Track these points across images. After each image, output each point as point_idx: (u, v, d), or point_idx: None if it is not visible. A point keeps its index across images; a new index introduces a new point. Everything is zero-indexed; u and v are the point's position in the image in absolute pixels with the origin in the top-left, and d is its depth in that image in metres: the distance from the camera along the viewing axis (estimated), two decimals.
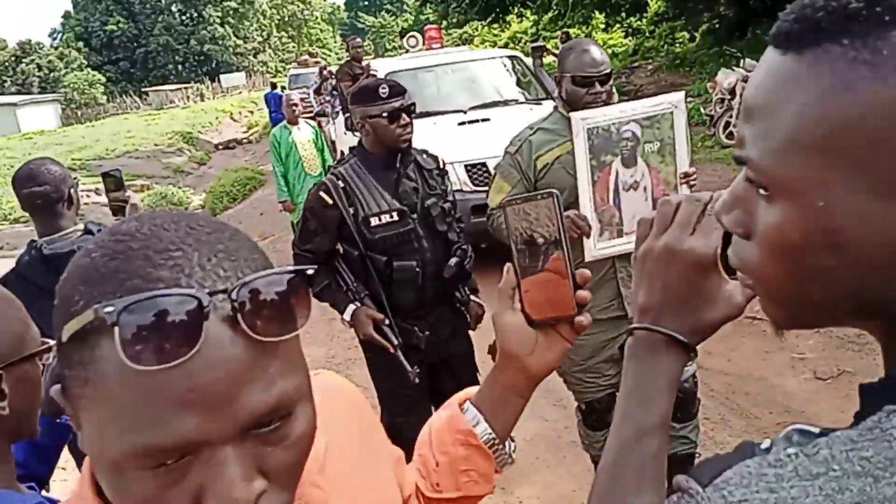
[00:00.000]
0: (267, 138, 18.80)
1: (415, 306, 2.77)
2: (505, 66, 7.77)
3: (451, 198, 2.87)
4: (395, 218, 2.68)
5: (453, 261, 2.77)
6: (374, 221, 2.66)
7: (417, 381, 2.74)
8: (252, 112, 28.90)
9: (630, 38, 24.06)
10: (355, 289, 2.74)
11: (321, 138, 6.97)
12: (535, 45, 9.79)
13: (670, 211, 0.80)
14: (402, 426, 2.53)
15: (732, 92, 9.38)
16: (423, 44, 8.07)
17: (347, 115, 7.11)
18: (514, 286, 0.87)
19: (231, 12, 59.80)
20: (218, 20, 58.91)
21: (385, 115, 2.65)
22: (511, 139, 2.75)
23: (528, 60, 7.99)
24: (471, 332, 3.00)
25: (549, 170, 2.62)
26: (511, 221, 0.85)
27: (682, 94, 2.66)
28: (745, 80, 8.97)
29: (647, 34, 22.67)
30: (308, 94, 16.35)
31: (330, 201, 2.66)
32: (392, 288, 2.72)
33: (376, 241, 2.67)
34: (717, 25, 16.81)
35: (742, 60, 10.28)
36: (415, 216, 2.72)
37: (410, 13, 59.56)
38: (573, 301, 0.85)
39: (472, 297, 2.95)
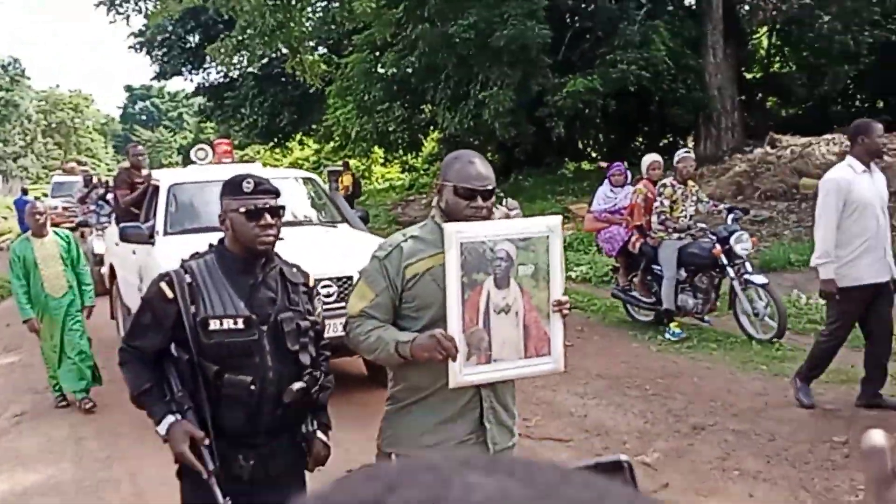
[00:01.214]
0: None
1: (246, 431, 2.41)
2: (300, 186, 7.55)
3: (314, 319, 2.55)
4: (240, 325, 2.36)
5: (297, 385, 2.42)
6: (213, 325, 2.34)
7: None
8: (6, 218, 26.74)
9: (406, 173, 25.58)
10: (179, 399, 2.37)
11: (75, 250, 6.13)
12: (331, 169, 10.12)
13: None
14: None
15: None
16: (213, 157, 7.70)
17: (125, 225, 6.60)
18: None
19: None
20: None
21: (244, 210, 2.38)
22: (381, 244, 2.55)
23: (322, 183, 7.94)
24: (307, 473, 2.61)
25: (417, 280, 2.41)
26: None
27: (558, 219, 2.55)
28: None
29: (422, 171, 24.27)
30: (71, 204, 15.60)
31: (171, 295, 2.36)
32: (220, 404, 2.36)
33: (210, 347, 2.34)
34: None
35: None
36: (264, 328, 2.40)
37: (190, 131, 58.94)
38: None
39: (319, 433, 2.58)
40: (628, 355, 6.67)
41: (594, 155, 20.09)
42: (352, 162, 20.70)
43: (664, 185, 7.10)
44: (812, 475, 4.14)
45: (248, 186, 2.42)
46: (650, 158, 7.69)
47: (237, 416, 2.38)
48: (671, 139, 18.83)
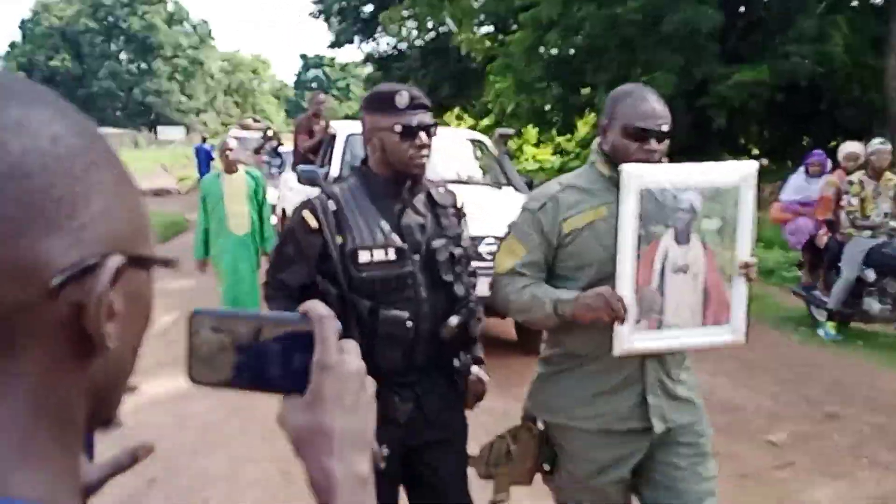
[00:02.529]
0: (196, 192, 19.23)
1: (400, 369, 2.20)
2: (469, 147, 7.71)
3: (465, 245, 2.34)
4: (392, 257, 2.16)
5: (455, 319, 2.23)
6: (363, 256, 2.14)
7: (384, 465, 2.25)
8: (185, 166, 29.06)
9: (557, 155, 25.60)
10: None
11: (262, 192, 6.16)
12: (501, 132, 10.27)
13: None
14: None
15: None
16: None
17: (302, 167, 6.86)
18: None
19: (180, 69, 60.24)
20: (166, 74, 59.23)
21: (398, 128, 2.16)
22: (532, 192, 2.33)
23: (491, 146, 7.98)
24: (467, 411, 2.43)
25: (576, 237, 2.14)
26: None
27: (754, 166, 2.22)
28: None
29: (574, 154, 24.22)
30: (245, 155, 16.78)
31: (315, 225, 2.16)
32: (374, 343, 2.14)
33: (363, 282, 2.14)
34: None
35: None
36: (416, 258, 2.20)
37: (356, 101, 61.26)
38: None
39: (474, 368, 2.38)
40: (766, 343, 6.48)
41: (755, 151, 19.36)
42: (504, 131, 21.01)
43: (851, 182, 6.55)
44: None
45: (401, 101, 2.17)
46: (848, 147, 7.22)
47: (393, 354, 2.18)
48: (840, 141, 17.84)
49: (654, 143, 2.12)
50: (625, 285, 2.06)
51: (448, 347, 2.29)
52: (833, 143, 17.94)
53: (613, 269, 2.07)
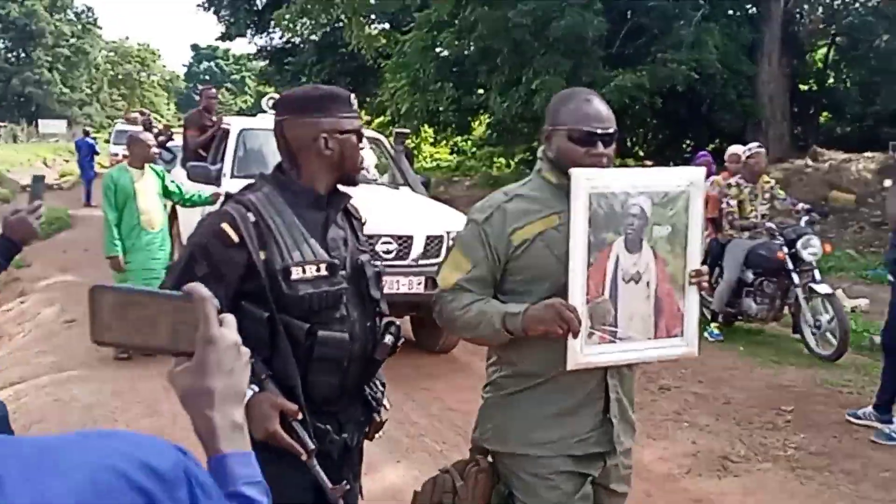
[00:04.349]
0: (79, 186, 18.64)
1: (334, 396, 2.02)
2: (366, 146, 7.64)
3: (377, 262, 2.20)
4: (324, 273, 1.97)
5: (388, 338, 2.09)
6: (295, 273, 1.93)
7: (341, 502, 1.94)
8: (67, 161, 27.90)
9: (454, 154, 25.95)
10: (253, 367, 1.72)
11: (164, 185, 5.94)
12: (398, 131, 10.20)
13: None
14: None
15: None
16: None
17: (193, 164, 6.72)
18: None
19: (62, 59, 57.44)
20: (46, 64, 56.33)
21: (352, 129, 2.02)
22: (477, 205, 2.15)
23: (388, 145, 7.93)
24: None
25: (527, 248, 2.02)
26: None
27: (701, 171, 2.20)
28: None
29: (470, 154, 24.61)
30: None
31: (235, 238, 1.91)
32: (310, 368, 1.95)
33: (297, 301, 1.93)
34: (530, 157, 18.69)
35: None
36: (343, 273, 2.02)
37: (251, 95, 60.04)
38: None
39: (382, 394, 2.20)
40: None
41: (640, 153, 20.20)
42: (400, 130, 21.13)
43: (730, 185, 6.73)
44: (752, 433, 4.67)
45: (354, 101, 2.06)
46: (732, 149, 7.48)
47: (329, 380, 1.98)
48: (718, 143, 18.87)
49: (601, 147, 2.02)
50: (576, 295, 1.96)
51: (373, 370, 2.13)
52: (712, 146, 18.98)
53: (566, 280, 1.97)
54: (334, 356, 1.97)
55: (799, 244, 6.27)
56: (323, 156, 1.99)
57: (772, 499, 3.87)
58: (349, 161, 2.02)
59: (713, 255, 6.89)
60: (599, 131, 2.00)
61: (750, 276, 6.61)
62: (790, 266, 6.29)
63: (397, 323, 2.14)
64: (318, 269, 1.96)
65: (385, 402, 2.19)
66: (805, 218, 6.66)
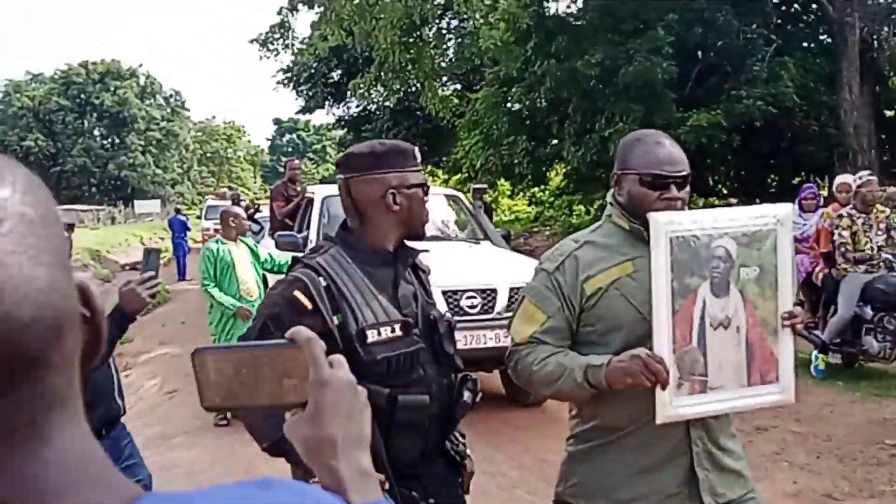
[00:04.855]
0: (174, 262, 19.56)
1: (416, 460, 1.94)
2: (445, 203, 7.60)
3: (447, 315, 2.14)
4: (399, 333, 1.91)
5: (467, 395, 2.02)
6: (371, 336, 1.87)
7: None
8: (163, 238, 29.20)
9: (532, 206, 26.00)
10: None
11: (257, 254, 6.22)
12: (476, 186, 10.35)
13: None
14: None
15: None
16: None
17: (281, 233, 6.87)
18: None
19: (154, 142, 60.67)
20: (140, 148, 59.60)
21: (419, 182, 1.99)
22: (546, 253, 2.08)
23: (466, 201, 7.99)
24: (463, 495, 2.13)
25: (601, 296, 1.93)
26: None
27: (789, 207, 2.06)
28: None
29: (548, 204, 24.62)
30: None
31: (309, 305, 1.86)
32: (392, 433, 1.87)
33: (375, 365, 1.86)
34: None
35: None
36: (417, 332, 1.96)
37: (332, 163, 61.87)
38: None
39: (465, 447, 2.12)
40: None
41: (724, 192, 19.82)
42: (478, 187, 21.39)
43: (841, 216, 6.42)
44: (855, 469, 4.54)
45: (418, 155, 2.03)
46: (840, 178, 7.27)
47: (412, 444, 1.91)
48: (804, 177, 18.36)
49: (675, 191, 1.94)
50: (662, 345, 1.85)
51: (453, 428, 2.05)
52: (798, 180, 18.48)
53: (645, 329, 1.87)
54: (416, 420, 1.91)
55: None
56: (391, 211, 1.95)
57: None
58: (417, 215, 1.99)
59: (828, 292, 6.58)
60: (673, 174, 1.94)
61: (868, 312, 6.19)
62: None
63: (473, 377, 2.08)
64: (393, 330, 1.91)
65: (468, 451, 2.11)
66: None
